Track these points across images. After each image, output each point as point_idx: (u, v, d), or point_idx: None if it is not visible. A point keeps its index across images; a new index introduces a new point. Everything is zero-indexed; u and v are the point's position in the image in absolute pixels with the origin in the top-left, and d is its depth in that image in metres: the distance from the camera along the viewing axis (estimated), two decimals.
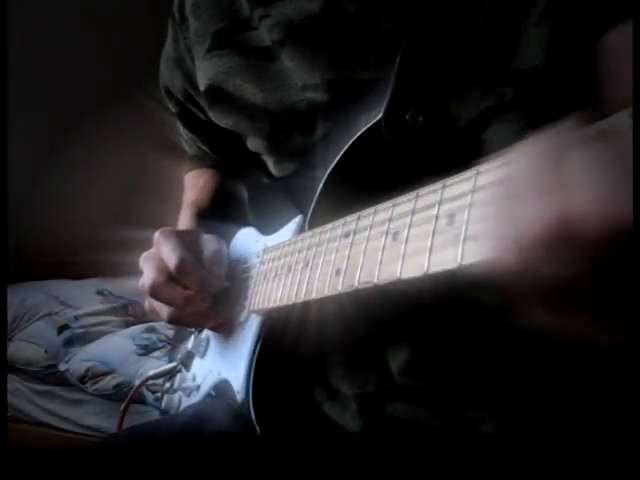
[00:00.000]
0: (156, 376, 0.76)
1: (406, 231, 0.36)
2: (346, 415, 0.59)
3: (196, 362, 0.71)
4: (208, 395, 0.67)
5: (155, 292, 0.57)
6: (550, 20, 0.45)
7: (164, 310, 0.58)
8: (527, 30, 0.46)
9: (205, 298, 0.58)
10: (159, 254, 0.58)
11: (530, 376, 0.51)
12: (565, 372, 0.51)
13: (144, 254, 0.60)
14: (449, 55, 0.47)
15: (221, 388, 0.64)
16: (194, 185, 0.81)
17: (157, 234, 0.59)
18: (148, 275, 0.58)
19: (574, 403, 0.52)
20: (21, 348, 1.97)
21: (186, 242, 0.59)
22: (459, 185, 0.33)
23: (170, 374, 0.75)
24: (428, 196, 0.35)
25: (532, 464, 0.53)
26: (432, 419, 0.54)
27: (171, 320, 0.59)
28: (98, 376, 1.82)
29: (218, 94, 0.62)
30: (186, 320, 0.61)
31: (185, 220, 0.79)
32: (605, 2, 0.44)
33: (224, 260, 0.61)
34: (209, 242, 0.62)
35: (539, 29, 0.45)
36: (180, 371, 0.73)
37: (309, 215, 0.53)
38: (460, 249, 0.31)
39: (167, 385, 0.75)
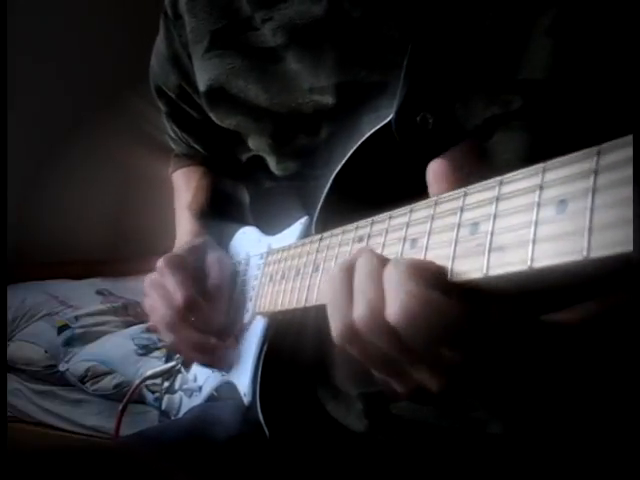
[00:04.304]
0: (155, 375, 0.76)
1: (426, 238, 0.35)
2: (351, 415, 0.58)
3: None
4: (210, 396, 0.66)
5: (170, 329, 0.59)
6: (561, 31, 0.45)
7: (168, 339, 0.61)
8: (536, 39, 0.45)
9: (218, 347, 0.61)
10: (165, 285, 0.59)
11: (536, 376, 0.51)
12: (571, 371, 0.51)
13: (149, 279, 0.61)
14: (455, 59, 0.47)
15: (225, 389, 0.64)
16: (187, 184, 0.80)
17: (160, 262, 0.61)
18: (159, 308, 0.59)
19: (581, 403, 0.52)
20: (21, 348, 1.97)
21: (190, 271, 0.60)
22: (482, 193, 0.32)
23: (169, 373, 0.75)
24: (448, 203, 0.35)
25: (540, 464, 0.52)
26: (438, 419, 0.54)
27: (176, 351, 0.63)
28: (98, 376, 1.82)
29: (220, 95, 0.61)
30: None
31: (185, 224, 0.79)
32: (614, 16, 0.44)
33: (226, 294, 0.63)
34: (212, 269, 0.63)
35: (549, 39, 0.45)
36: (180, 371, 0.73)
37: (315, 216, 0.52)
38: (486, 259, 0.30)
39: (166, 384, 0.75)
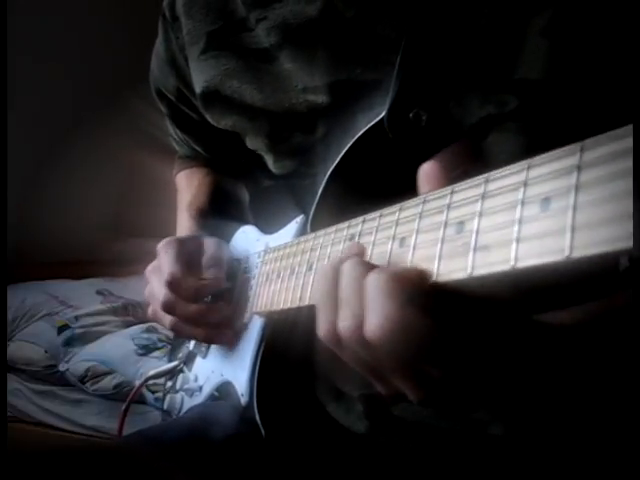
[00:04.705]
0: (157, 375, 0.76)
1: (414, 237, 0.35)
2: (351, 416, 0.58)
3: (198, 362, 0.71)
4: (211, 396, 0.66)
5: (167, 307, 0.59)
6: (556, 32, 0.44)
7: (167, 321, 0.60)
8: (532, 40, 0.45)
9: (216, 311, 0.61)
10: (161, 266, 0.60)
11: (538, 377, 0.51)
12: (573, 372, 0.51)
13: (150, 266, 0.62)
14: (449, 57, 0.47)
15: (224, 389, 0.64)
16: (189, 185, 0.81)
17: (159, 245, 0.61)
18: (158, 290, 0.59)
19: (582, 403, 0.52)
20: (21, 348, 1.97)
21: (187, 251, 0.61)
22: (468, 190, 0.32)
23: (171, 373, 0.75)
24: (436, 201, 0.35)
25: (541, 466, 0.52)
26: (439, 420, 0.54)
27: (174, 329, 0.61)
28: (98, 376, 1.82)
29: (215, 96, 0.61)
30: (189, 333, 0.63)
31: (184, 223, 0.79)
32: (610, 17, 0.44)
33: (222, 262, 0.63)
34: (209, 246, 0.63)
35: (545, 40, 0.45)
36: (182, 371, 0.73)
37: (311, 215, 0.52)
38: (470, 259, 0.30)
39: (169, 384, 0.75)
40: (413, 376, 0.36)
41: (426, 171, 0.38)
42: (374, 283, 0.34)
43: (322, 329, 0.38)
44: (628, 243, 0.23)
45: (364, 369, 0.38)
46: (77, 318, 2.08)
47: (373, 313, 0.34)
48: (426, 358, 0.35)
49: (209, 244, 0.63)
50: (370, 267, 0.36)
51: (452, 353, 0.35)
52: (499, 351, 0.41)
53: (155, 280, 0.60)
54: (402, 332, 0.33)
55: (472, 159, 0.39)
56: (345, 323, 0.36)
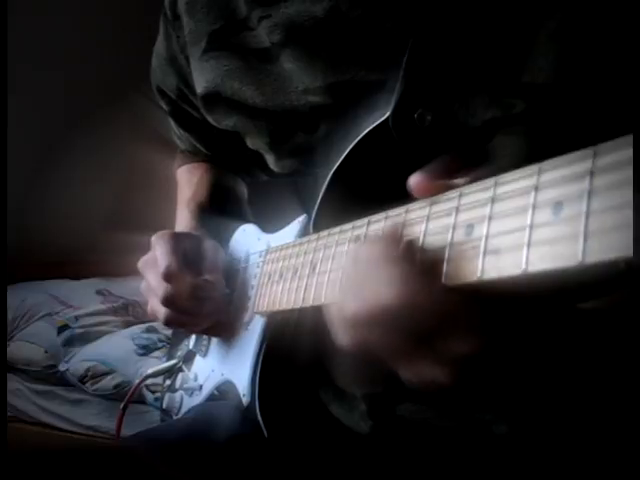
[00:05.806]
0: (156, 373, 0.76)
1: (421, 239, 0.35)
2: (354, 416, 0.58)
3: (197, 361, 0.70)
4: (211, 395, 0.66)
5: (168, 303, 0.58)
6: (566, 36, 0.44)
7: (163, 312, 0.59)
8: (541, 43, 0.45)
9: (214, 286, 0.59)
10: (155, 258, 0.59)
11: (542, 377, 0.51)
12: (577, 371, 0.51)
13: (142, 259, 0.61)
14: (456, 58, 0.47)
15: (225, 389, 0.64)
16: (189, 181, 0.80)
17: (154, 237, 0.60)
18: (152, 279, 0.59)
19: (587, 403, 0.52)
20: (21, 348, 1.97)
21: (183, 246, 0.60)
22: (477, 194, 0.32)
23: (170, 372, 0.75)
24: (444, 203, 0.34)
25: (545, 465, 0.52)
26: (442, 420, 0.54)
27: (169, 321, 0.60)
28: (98, 376, 1.82)
29: (216, 97, 0.61)
30: (185, 320, 0.61)
31: (183, 219, 0.79)
32: (619, 22, 0.43)
33: (219, 269, 0.62)
34: (208, 250, 0.63)
35: (554, 44, 0.44)
36: (181, 369, 0.73)
37: (313, 214, 0.52)
38: (480, 263, 0.30)
39: (167, 382, 0.75)
40: (440, 353, 0.34)
41: (413, 182, 0.38)
42: (398, 264, 0.34)
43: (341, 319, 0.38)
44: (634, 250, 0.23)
45: (393, 355, 0.37)
46: (77, 318, 2.08)
47: (400, 289, 0.33)
48: (455, 332, 0.33)
49: (208, 247, 0.63)
50: (390, 251, 0.35)
51: (478, 328, 0.33)
52: (519, 325, 0.40)
53: (151, 274, 0.60)
54: (427, 305, 0.32)
55: (463, 170, 0.39)
56: (366, 304, 0.35)
